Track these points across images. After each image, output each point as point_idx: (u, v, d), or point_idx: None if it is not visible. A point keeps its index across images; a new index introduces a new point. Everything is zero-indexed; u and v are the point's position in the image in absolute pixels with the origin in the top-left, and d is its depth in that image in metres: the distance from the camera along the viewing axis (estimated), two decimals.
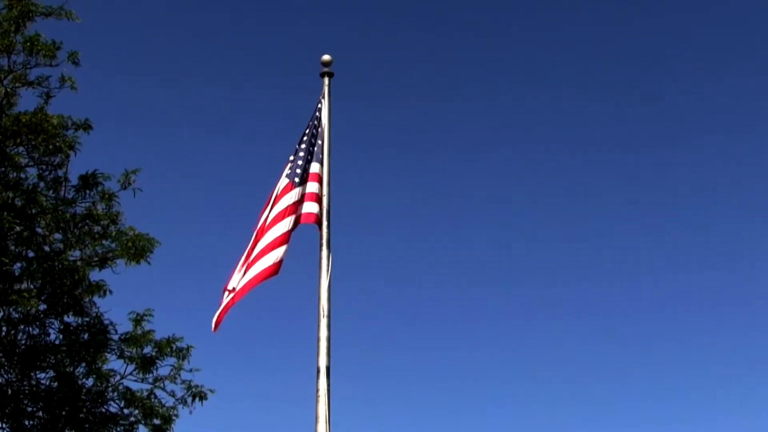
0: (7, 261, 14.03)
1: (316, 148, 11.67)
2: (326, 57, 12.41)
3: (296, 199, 11.33)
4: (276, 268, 10.92)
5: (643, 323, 40.67)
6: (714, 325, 40.52)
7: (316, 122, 11.92)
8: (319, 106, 12.06)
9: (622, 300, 41.56)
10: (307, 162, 11.59)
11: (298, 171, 11.50)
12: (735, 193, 43.62)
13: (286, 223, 11.19)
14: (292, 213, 11.25)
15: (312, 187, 11.38)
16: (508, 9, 45.59)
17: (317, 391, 10.28)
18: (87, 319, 14.96)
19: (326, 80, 12.34)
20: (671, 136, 44.06)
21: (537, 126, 44.96)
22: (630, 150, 44.32)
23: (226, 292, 10.94)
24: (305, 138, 11.78)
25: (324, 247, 11.09)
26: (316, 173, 11.49)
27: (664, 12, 44.83)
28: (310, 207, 11.24)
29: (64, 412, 14.30)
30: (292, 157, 11.70)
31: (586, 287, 42.04)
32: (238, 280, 11.01)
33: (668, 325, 40.66)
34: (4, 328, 14.39)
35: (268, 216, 11.36)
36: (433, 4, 45.39)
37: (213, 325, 10.90)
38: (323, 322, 10.59)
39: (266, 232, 11.23)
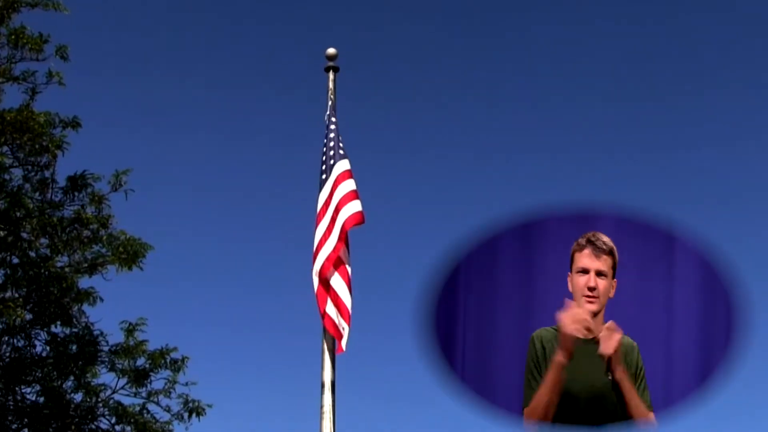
0: None
1: (334, 145, 11.17)
2: (331, 50, 12.19)
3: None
4: (360, 217, 10.22)
5: None
6: None
7: (333, 119, 11.51)
8: (330, 103, 11.75)
9: None
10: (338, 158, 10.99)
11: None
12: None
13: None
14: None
15: (351, 184, 10.64)
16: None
17: (321, 407, 9.88)
18: (76, 329, 14.68)
19: (331, 75, 12.06)
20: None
21: (556, 119, 44.18)
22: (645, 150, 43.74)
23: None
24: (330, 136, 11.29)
25: None
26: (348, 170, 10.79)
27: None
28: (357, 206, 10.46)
29: (51, 429, 14.00)
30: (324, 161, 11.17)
31: None
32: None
33: None
34: None
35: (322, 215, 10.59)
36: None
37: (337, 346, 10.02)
38: (327, 334, 10.04)
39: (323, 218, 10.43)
